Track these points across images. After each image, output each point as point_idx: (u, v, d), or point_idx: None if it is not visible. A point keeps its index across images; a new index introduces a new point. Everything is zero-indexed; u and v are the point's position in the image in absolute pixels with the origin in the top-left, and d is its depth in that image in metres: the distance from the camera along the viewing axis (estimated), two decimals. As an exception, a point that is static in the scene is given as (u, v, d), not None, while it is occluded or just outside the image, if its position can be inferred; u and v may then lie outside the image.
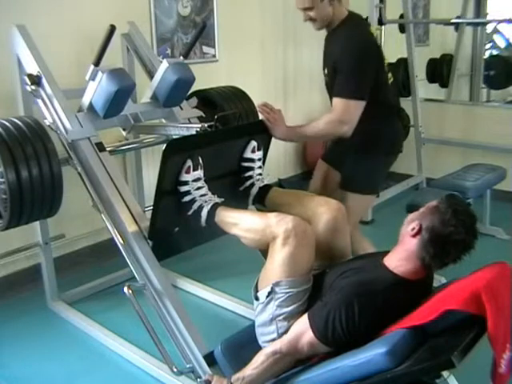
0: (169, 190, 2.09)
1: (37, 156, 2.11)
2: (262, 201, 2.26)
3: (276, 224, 1.84)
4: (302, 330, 1.68)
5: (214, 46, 3.87)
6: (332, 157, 2.70)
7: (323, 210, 2.02)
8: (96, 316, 2.74)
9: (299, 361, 1.76)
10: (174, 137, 2.53)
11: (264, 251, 1.97)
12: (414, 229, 1.65)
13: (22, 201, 2.10)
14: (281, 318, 1.81)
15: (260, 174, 2.30)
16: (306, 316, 1.70)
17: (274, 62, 4.41)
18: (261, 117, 2.34)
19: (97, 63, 2.32)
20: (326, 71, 2.45)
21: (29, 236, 2.81)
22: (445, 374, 1.40)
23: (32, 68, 2.38)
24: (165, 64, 2.53)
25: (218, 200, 2.10)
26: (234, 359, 1.89)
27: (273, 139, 2.36)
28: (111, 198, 2.24)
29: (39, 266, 2.85)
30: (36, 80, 2.35)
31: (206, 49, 3.83)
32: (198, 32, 2.66)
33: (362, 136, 2.34)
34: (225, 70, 3.90)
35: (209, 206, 2.05)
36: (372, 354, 1.46)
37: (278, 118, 2.30)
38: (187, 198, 2.08)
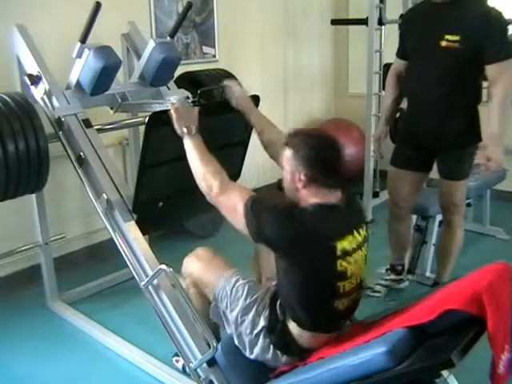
0: (152, 163, 2.10)
1: (24, 131, 2.14)
2: None
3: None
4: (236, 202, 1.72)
5: (213, 46, 3.88)
6: (414, 162, 2.69)
7: None
8: (96, 316, 2.74)
9: (299, 361, 1.76)
10: None
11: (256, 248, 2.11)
12: (300, 180, 1.69)
13: (8, 174, 2.13)
14: (239, 321, 1.85)
15: None
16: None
17: (274, 62, 4.41)
18: None
19: (83, 40, 2.33)
20: (447, 37, 2.42)
21: (29, 236, 2.81)
22: (445, 373, 1.40)
23: (32, 68, 2.38)
24: (151, 43, 2.55)
25: None
26: (233, 359, 1.89)
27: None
28: (96, 170, 2.26)
29: (39, 266, 2.85)
30: (36, 80, 2.36)
31: (206, 49, 3.83)
32: (185, 11, 2.65)
33: (470, 124, 2.50)
34: (225, 70, 3.90)
35: None
36: (372, 354, 1.45)
37: None
38: None
